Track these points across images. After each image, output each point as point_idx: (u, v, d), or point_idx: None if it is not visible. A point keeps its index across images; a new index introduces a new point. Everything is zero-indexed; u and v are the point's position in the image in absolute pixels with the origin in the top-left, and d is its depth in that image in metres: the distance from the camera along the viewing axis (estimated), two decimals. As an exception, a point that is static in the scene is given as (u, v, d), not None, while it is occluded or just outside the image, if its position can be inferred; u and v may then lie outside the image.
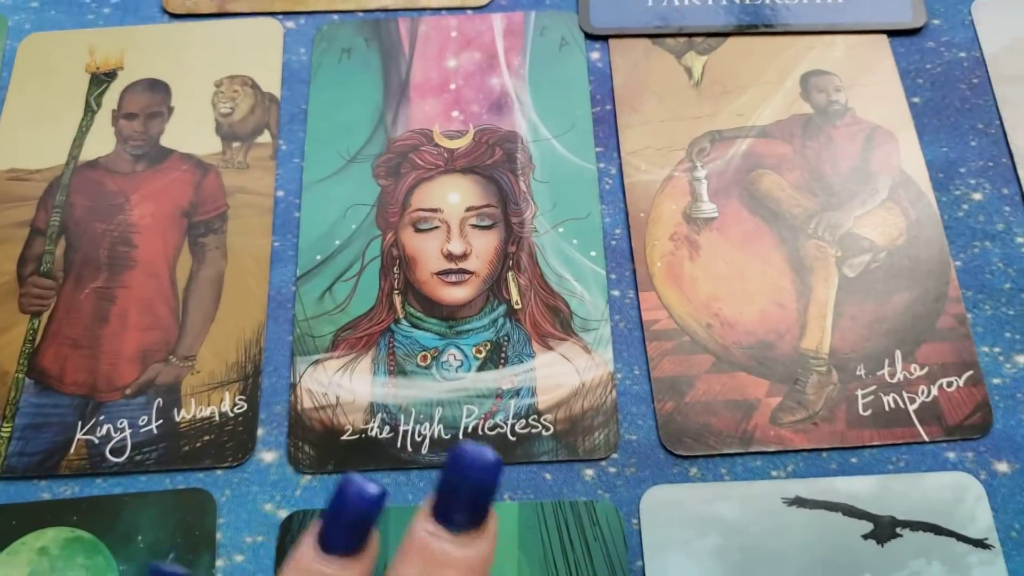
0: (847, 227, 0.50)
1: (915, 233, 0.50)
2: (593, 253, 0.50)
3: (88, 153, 0.54)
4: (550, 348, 0.48)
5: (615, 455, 0.46)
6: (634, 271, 0.50)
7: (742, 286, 0.49)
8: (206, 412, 0.47)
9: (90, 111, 0.56)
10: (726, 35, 0.56)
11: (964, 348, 0.47)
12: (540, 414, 0.47)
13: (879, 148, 0.52)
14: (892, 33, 0.56)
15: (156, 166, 0.54)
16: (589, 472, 0.46)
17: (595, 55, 0.56)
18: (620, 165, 0.53)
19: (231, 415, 0.47)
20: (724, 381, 0.47)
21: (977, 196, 0.51)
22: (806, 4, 0.56)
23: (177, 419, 0.47)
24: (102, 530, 0.45)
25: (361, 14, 0.58)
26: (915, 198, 0.51)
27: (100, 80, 0.56)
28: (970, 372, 0.46)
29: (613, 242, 0.51)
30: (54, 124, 0.55)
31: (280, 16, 0.59)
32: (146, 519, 0.45)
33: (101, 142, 0.55)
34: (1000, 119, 0.53)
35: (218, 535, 0.45)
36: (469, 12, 0.58)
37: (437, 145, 0.54)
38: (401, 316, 0.49)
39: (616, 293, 0.50)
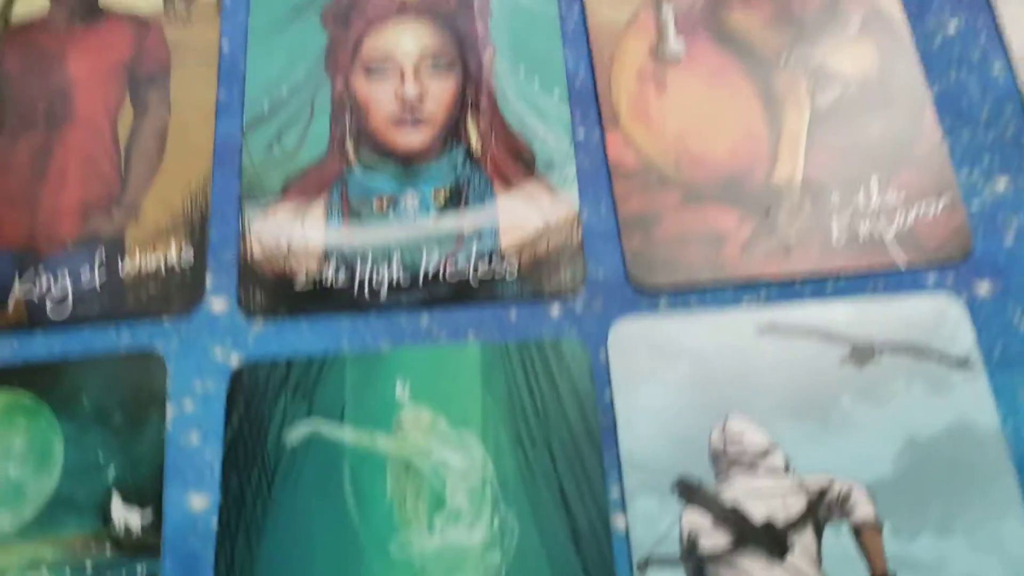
0: (819, 60, 0.48)
1: (889, 64, 0.48)
2: (556, 93, 0.48)
3: (20, 15, 0.51)
4: (512, 190, 0.46)
5: (582, 292, 0.44)
6: (599, 111, 0.48)
7: (711, 121, 0.47)
8: (151, 262, 0.45)
9: (22, -31, 0.52)
10: None
11: (942, 173, 0.45)
12: (503, 255, 0.44)
13: (851, -20, 0.50)
14: None
15: (94, 22, 0.51)
16: (555, 309, 0.44)
17: (555, -103, 0.54)
18: (583, 5, 0.50)
19: (178, 265, 0.45)
20: (694, 215, 0.45)
21: (952, 27, 0.49)
22: None
23: (121, 271, 0.45)
24: (45, 393, 0.43)
25: None
26: (888, 30, 0.49)
27: (32, -63, 0.53)
28: (948, 197, 0.45)
29: (577, 83, 0.49)
30: (-17, -18, 0.52)
31: None
32: (93, 381, 0.43)
33: (32, 3, 0.52)
34: (975, -51, 0.51)
35: (168, 385, 0.42)
36: None
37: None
38: (353, 162, 0.47)
39: (581, 132, 0.47)
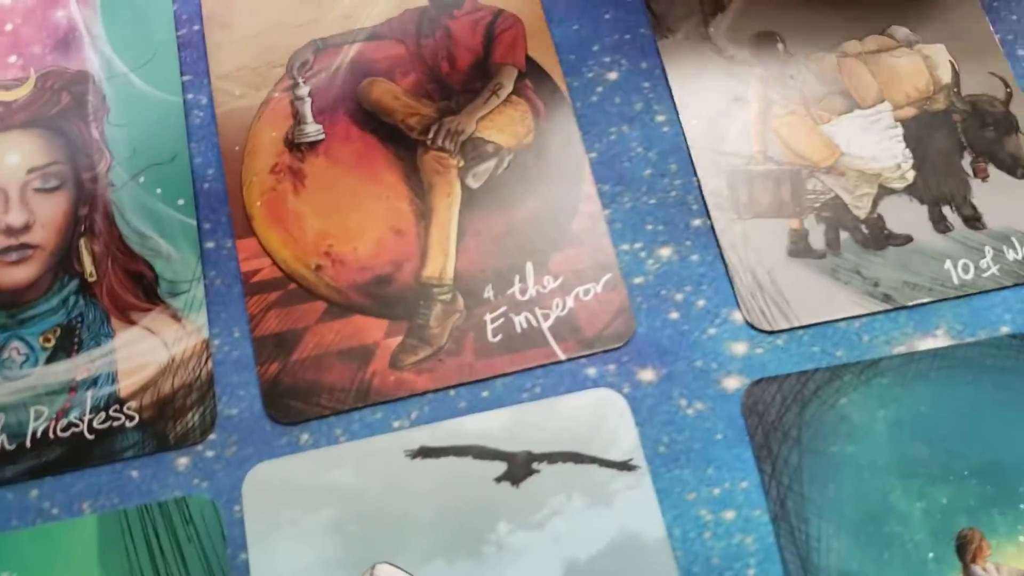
0: (470, 131, 0.44)
1: (545, 128, 0.44)
2: (181, 202, 0.43)
3: None
4: (132, 322, 0.41)
5: (213, 436, 0.39)
6: (230, 216, 0.43)
7: (355, 216, 0.42)
8: None
9: None
10: (326, -74, 0.48)
11: (601, 249, 0.42)
12: (123, 402, 0.39)
13: (503, 36, 0.46)
14: (515, -98, 0.49)
15: None
16: (183, 461, 0.39)
17: (173, -31, 0.48)
18: (211, 93, 0.45)
19: None
20: (338, 328, 0.40)
21: (612, 75, 0.45)
22: None
23: None
24: None
25: None
26: (544, 88, 0.45)
27: None
28: (608, 275, 0.41)
29: (206, 185, 0.43)
30: None
31: None
32: None
33: None
34: (637, -16, 0.47)
35: None
36: (27, -64, 0.49)
37: (-8, 99, 0.45)
38: (-50, 312, 0.41)
39: (211, 245, 0.42)
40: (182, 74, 0.45)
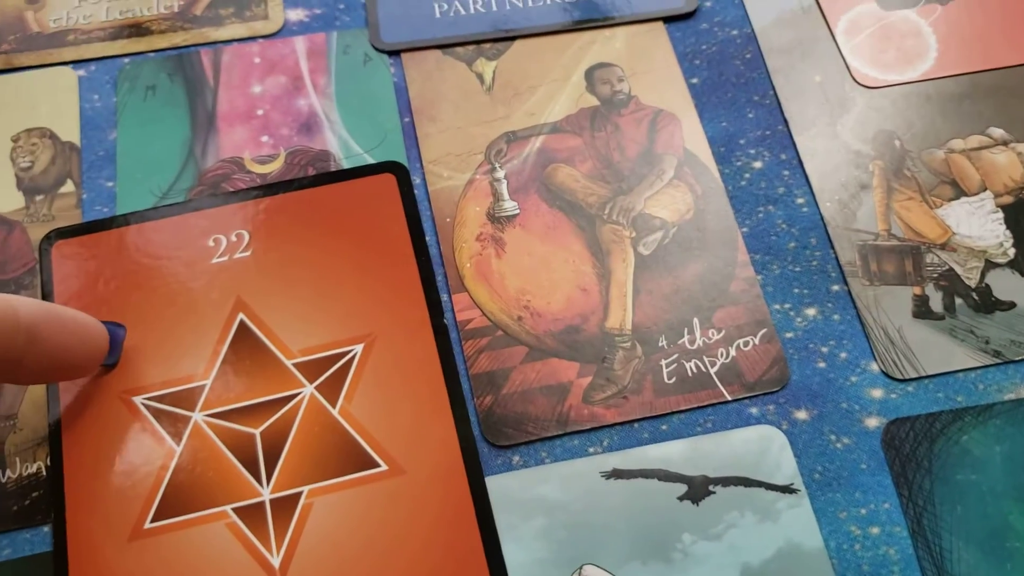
0: (639, 208, 0.52)
1: (702, 206, 0.53)
2: (404, 264, 0.52)
3: None
4: (369, 360, 0.49)
5: (440, 455, 0.47)
6: (445, 275, 0.51)
7: (547, 276, 0.51)
8: (32, 469, 0.47)
9: None
10: (512, 39, 0.58)
11: (757, 308, 0.50)
12: (365, 426, 0.48)
13: (663, 131, 0.55)
14: (668, 19, 0.59)
15: (-45, 230, 0.53)
16: (417, 475, 0.47)
17: (390, 70, 0.58)
18: (423, 174, 0.54)
19: (54, 471, 0.47)
20: (538, 369, 0.49)
21: (757, 164, 0.54)
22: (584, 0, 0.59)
23: (3, 479, 0.46)
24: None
25: (152, 54, 0.58)
26: (700, 173, 0.54)
27: None
28: (764, 330, 0.49)
29: (424, 250, 0.52)
30: None
31: (72, 65, 0.58)
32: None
33: None
34: (773, 89, 0.56)
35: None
36: (262, 40, 0.59)
37: (249, 171, 0.54)
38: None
39: (430, 299, 0.51)
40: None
